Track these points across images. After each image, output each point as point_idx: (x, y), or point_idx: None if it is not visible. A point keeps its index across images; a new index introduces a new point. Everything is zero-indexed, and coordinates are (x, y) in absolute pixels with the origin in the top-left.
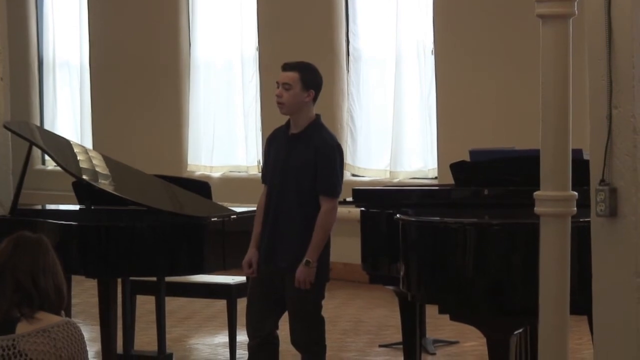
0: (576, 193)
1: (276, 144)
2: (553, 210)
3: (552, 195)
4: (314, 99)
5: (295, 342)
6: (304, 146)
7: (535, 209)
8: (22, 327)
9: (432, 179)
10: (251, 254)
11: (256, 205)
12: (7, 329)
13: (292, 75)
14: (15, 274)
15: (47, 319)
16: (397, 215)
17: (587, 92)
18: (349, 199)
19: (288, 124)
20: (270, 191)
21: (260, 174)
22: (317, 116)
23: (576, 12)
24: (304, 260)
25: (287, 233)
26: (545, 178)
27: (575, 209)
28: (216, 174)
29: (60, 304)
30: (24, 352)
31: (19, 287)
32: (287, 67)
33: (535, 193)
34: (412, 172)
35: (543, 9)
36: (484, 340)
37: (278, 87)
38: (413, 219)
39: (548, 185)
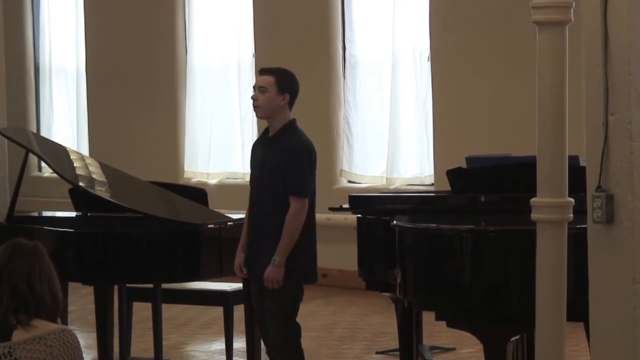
0: (573, 200)
1: (256, 150)
2: (550, 217)
3: (549, 202)
4: (290, 104)
5: (271, 345)
6: (277, 148)
7: (531, 215)
8: (18, 335)
9: (428, 185)
10: (239, 258)
11: None
12: (4, 337)
13: (268, 79)
14: (11, 281)
15: (43, 326)
16: (394, 222)
17: (584, 99)
18: (346, 205)
19: (267, 129)
20: (251, 195)
21: None
22: (293, 120)
23: (572, 18)
24: (272, 259)
25: (264, 236)
26: (541, 185)
27: (572, 215)
28: (213, 181)
29: (56, 311)
30: (21, 359)
31: (15, 293)
32: (263, 71)
33: (531, 200)
34: (408, 179)
35: (539, 15)
36: (481, 346)
37: (254, 91)
38: (410, 226)
39: (545, 191)
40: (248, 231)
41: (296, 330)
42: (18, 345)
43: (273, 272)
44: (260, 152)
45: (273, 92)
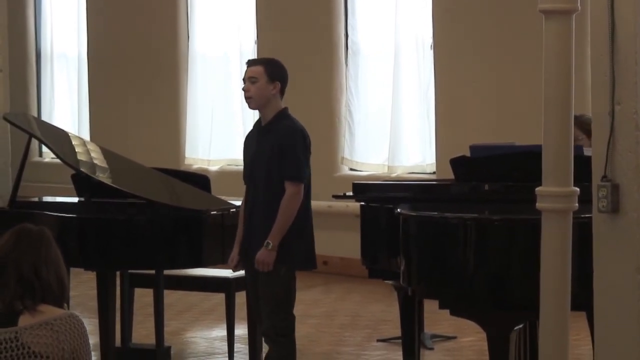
0: (578, 189)
1: (250, 141)
2: (555, 206)
3: (554, 191)
4: (281, 92)
5: (264, 332)
6: (271, 136)
7: (537, 204)
8: (24, 320)
9: (430, 173)
10: (234, 253)
11: None
12: (10, 322)
13: (257, 69)
14: (18, 266)
15: (50, 311)
16: (398, 210)
17: (589, 88)
18: (349, 193)
19: (260, 120)
20: (247, 187)
21: None
22: (285, 108)
23: (579, 7)
24: (265, 242)
25: (259, 226)
26: (547, 174)
27: (577, 204)
28: (214, 167)
29: (63, 296)
30: (27, 344)
31: (21, 279)
32: (251, 62)
33: (537, 189)
34: (410, 167)
35: (546, 4)
36: (482, 335)
37: (245, 83)
38: (414, 214)
39: (550, 181)
40: (244, 220)
41: (290, 320)
42: (24, 331)
43: (265, 255)
44: (255, 142)
45: (263, 82)
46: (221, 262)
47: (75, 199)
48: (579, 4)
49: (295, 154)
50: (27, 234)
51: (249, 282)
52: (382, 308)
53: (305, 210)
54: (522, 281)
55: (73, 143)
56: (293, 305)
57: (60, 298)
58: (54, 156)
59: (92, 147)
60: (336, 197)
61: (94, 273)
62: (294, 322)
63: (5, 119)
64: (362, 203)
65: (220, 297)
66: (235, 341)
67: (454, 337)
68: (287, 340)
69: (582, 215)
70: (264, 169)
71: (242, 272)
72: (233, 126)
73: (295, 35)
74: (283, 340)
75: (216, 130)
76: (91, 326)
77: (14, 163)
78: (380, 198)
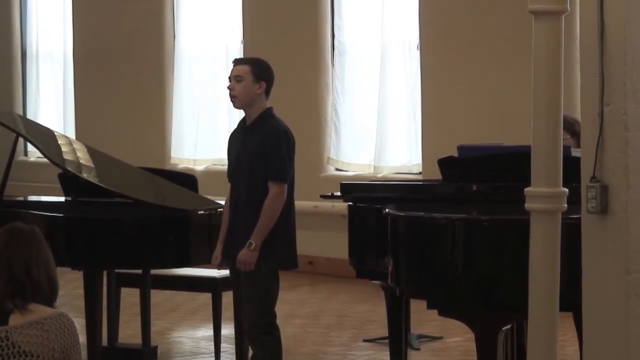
0: (567, 190)
1: (235, 140)
2: (544, 207)
3: (543, 192)
4: (267, 92)
5: (246, 330)
6: (255, 135)
7: (525, 205)
8: (15, 319)
9: (416, 174)
10: (217, 251)
11: None
12: (0, 321)
13: (243, 68)
14: (8, 266)
15: (40, 310)
16: (386, 210)
17: (578, 89)
18: (337, 193)
19: (245, 119)
20: (231, 187)
21: None
22: (270, 108)
23: (569, 8)
24: (248, 242)
25: (242, 225)
26: (536, 174)
27: (566, 205)
28: (199, 167)
29: (53, 296)
30: (17, 343)
31: (12, 278)
32: (238, 61)
33: (526, 189)
34: (396, 167)
35: (536, 5)
36: (468, 336)
37: (230, 82)
38: (402, 214)
39: (539, 181)
40: (228, 219)
41: (270, 315)
42: (15, 330)
43: (246, 255)
44: (240, 141)
45: (249, 81)
46: (208, 262)
47: (62, 198)
48: (568, 5)
49: (279, 154)
50: (18, 232)
51: (234, 282)
52: (368, 308)
53: (287, 211)
54: (511, 282)
55: (59, 142)
56: (274, 304)
57: (50, 297)
58: (39, 155)
59: (78, 146)
60: (324, 197)
61: (80, 272)
62: (275, 319)
63: None
64: (350, 203)
65: (206, 297)
66: (221, 341)
67: (440, 338)
68: (272, 339)
69: (571, 216)
70: (247, 169)
71: (228, 272)
72: (219, 126)
73: (281, 35)
74: (267, 338)
75: (202, 130)
76: (78, 325)
77: (0, 162)
78: (368, 198)
